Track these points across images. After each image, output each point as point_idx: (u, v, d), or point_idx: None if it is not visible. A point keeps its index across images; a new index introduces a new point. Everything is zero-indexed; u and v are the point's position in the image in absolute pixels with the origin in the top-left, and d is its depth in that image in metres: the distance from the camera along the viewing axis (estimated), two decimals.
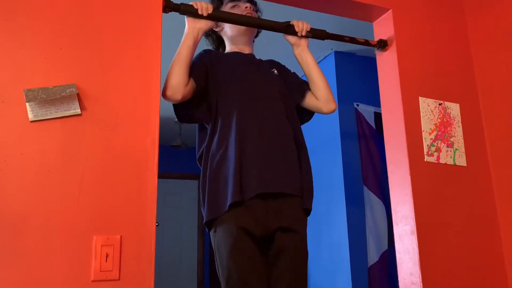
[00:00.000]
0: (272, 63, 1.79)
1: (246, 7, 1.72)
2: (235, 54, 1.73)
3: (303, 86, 1.76)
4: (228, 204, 1.45)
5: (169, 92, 1.49)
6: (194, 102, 1.58)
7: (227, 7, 1.74)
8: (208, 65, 1.64)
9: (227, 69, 1.65)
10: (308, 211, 1.59)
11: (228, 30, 1.76)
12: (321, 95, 1.72)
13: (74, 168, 1.29)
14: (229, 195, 1.46)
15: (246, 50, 1.76)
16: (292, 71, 1.83)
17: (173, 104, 1.57)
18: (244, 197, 1.46)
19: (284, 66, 1.83)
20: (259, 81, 1.66)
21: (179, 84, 1.49)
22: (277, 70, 1.74)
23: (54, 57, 1.34)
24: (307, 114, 1.79)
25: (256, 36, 1.84)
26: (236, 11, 1.72)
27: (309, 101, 1.74)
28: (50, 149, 1.28)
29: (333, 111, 1.74)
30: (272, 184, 1.50)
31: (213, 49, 1.85)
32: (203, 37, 1.71)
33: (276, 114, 1.61)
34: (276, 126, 1.59)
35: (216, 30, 1.79)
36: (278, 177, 1.52)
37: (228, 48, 1.78)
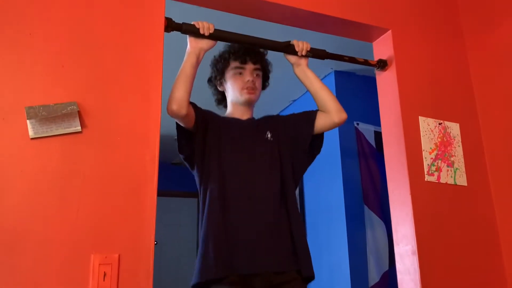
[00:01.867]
0: (267, 123, 1.77)
1: (248, 80, 1.72)
2: (234, 121, 1.74)
3: (309, 116, 1.76)
4: (214, 277, 1.47)
5: (174, 106, 1.50)
6: (195, 140, 1.61)
7: (232, 72, 1.75)
8: (210, 117, 1.68)
9: (227, 136, 1.66)
10: (310, 278, 1.58)
11: (229, 94, 1.77)
12: (331, 106, 1.72)
13: (73, 185, 1.29)
14: (216, 269, 1.47)
15: (245, 116, 1.76)
16: (289, 114, 1.83)
17: (177, 133, 1.61)
18: (234, 272, 1.47)
19: (279, 117, 1.83)
20: (255, 154, 1.66)
21: (184, 98, 1.52)
22: (271, 132, 1.73)
23: (56, 74, 1.35)
24: (318, 143, 1.77)
25: (264, 88, 1.85)
26: (238, 80, 1.73)
27: (320, 122, 1.73)
28: (50, 166, 1.28)
29: (344, 120, 1.74)
30: (262, 264, 1.51)
31: (215, 100, 1.87)
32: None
33: (270, 188, 1.61)
34: (269, 202, 1.59)
35: (220, 89, 1.82)
36: (267, 256, 1.52)
37: (229, 111, 1.79)
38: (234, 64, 1.75)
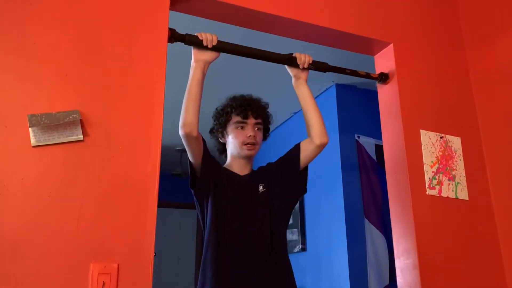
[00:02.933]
0: (259, 177, 1.81)
1: (249, 136, 1.76)
2: (232, 176, 1.78)
3: (292, 152, 1.81)
4: None
5: (186, 130, 1.56)
6: (201, 176, 1.68)
7: (233, 126, 1.78)
8: (214, 163, 1.73)
9: (224, 190, 1.71)
10: None
11: (230, 147, 1.81)
12: (315, 128, 1.77)
13: (74, 194, 1.29)
14: None
15: (244, 171, 1.80)
16: (278, 159, 1.87)
17: (190, 170, 1.68)
18: None
19: (269, 166, 1.86)
20: (250, 211, 1.72)
21: (194, 121, 1.58)
22: (263, 183, 1.78)
23: (59, 83, 1.36)
24: (303, 183, 1.83)
25: (265, 139, 1.89)
26: (239, 135, 1.76)
27: (304, 152, 1.78)
28: (51, 175, 1.28)
29: (325, 145, 1.78)
30: None
31: (217, 150, 1.91)
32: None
33: (263, 242, 1.67)
34: (262, 256, 1.65)
35: (222, 141, 1.86)
36: None
37: (229, 162, 1.83)
38: (236, 118, 1.78)
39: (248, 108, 1.78)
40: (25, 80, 1.33)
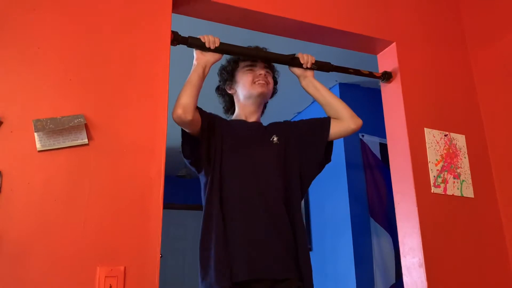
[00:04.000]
0: (274, 128, 1.76)
1: (260, 74, 1.72)
2: (240, 123, 1.73)
3: (323, 122, 1.75)
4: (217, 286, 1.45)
5: (179, 111, 1.49)
6: (201, 144, 1.60)
7: (243, 70, 1.75)
8: (215, 120, 1.67)
9: (230, 139, 1.65)
10: None
11: (240, 93, 1.76)
12: (344, 114, 1.73)
13: (80, 197, 1.29)
14: (217, 278, 1.46)
15: (252, 118, 1.75)
16: (300, 120, 1.81)
17: (182, 138, 1.59)
18: (234, 280, 1.46)
19: (288, 122, 1.82)
20: (259, 157, 1.65)
21: (190, 104, 1.52)
22: (277, 136, 1.71)
23: (63, 87, 1.37)
24: (329, 151, 1.76)
25: (272, 96, 1.84)
26: (249, 75, 1.73)
27: (335, 128, 1.73)
28: (57, 179, 1.29)
29: (360, 125, 1.73)
30: (266, 270, 1.49)
31: (223, 108, 1.87)
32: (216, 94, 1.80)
33: (272, 193, 1.60)
34: (271, 207, 1.57)
35: (229, 92, 1.80)
36: (267, 263, 1.50)
37: (236, 113, 1.79)
38: (244, 63, 1.76)
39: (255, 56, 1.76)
40: (30, 85, 1.34)
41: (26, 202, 1.24)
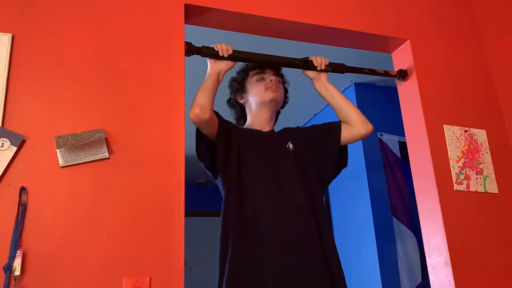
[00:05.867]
0: (288, 134, 1.75)
1: (271, 80, 1.73)
2: (254, 133, 1.72)
3: (333, 127, 1.74)
4: None
5: (197, 109, 1.50)
6: (217, 148, 1.59)
7: (253, 80, 1.76)
8: (232, 127, 1.67)
9: (246, 148, 1.64)
10: None
11: (252, 102, 1.76)
12: (355, 119, 1.71)
13: (103, 211, 1.32)
14: None
15: (266, 127, 1.75)
16: (311, 125, 1.81)
17: (196, 140, 1.58)
18: None
19: (300, 128, 1.81)
20: (277, 165, 1.63)
21: (207, 103, 1.52)
22: (292, 142, 1.70)
23: (82, 103, 1.39)
24: (344, 155, 1.74)
25: (282, 107, 1.84)
26: (261, 84, 1.74)
27: (345, 134, 1.71)
28: (80, 193, 1.31)
29: (371, 131, 1.72)
30: (291, 285, 1.44)
31: (234, 119, 1.87)
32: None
33: (294, 200, 1.57)
34: (295, 214, 1.55)
35: (241, 102, 1.81)
36: (296, 275, 1.46)
37: (249, 122, 1.78)
38: (253, 72, 1.77)
39: (264, 64, 1.77)
40: (50, 102, 1.37)
41: (52, 218, 1.27)
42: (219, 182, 1.64)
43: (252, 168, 1.61)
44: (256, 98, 1.74)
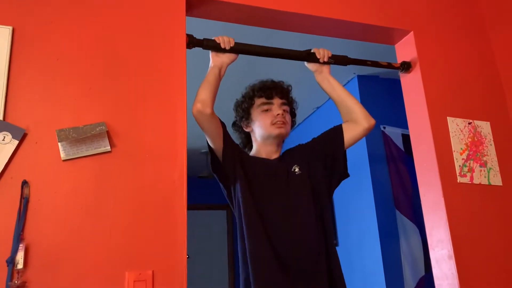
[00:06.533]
0: (291, 157, 1.71)
1: (277, 114, 1.67)
2: (261, 161, 1.69)
3: (335, 132, 1.71)
4: None
5: (198, 105, 1.50)
6: (227, 171, 1.59)
7: (259, 110, 1.70)
8: (238, 149, 1.66)
9: (253, 176, 1.61)
10: None
11: (257, 133, 1.71)
12: (358, 113, 1.70)
13: (105, 204, 1.31)
14: None
15: (273, 156, 1.71)
16: (311, 139, 1.78)
17: (210, 154, 1.60)
18: None
19: (302, 146, 1.77)
20: (287, 192, 1.61)
21: (208, 98, 1.52)
22: (298, 165, 1.67)
23: (83, 97, 1.39)
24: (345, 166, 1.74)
25: (293, 125, 1.79)
26: (267, 116, 1.68)
27: (348, 134, 1.69)
28: (82, 187, 1.31)
29: (373, 125, 1.70)
30: None
31: (240, 144, 1.82)
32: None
33: (307, 224, 1.57)
34: (304, 244, 1.54)
35: (246, 130, 1.76)
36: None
37: (256, 150, 1.74)
38: (260, 101, 1.70)
39: (271, 88, 1.71)
40: (51, 95, 1.36)
41: (54, 211, 1.27)
42: (232, 197, 1.63)
43: (261, 196, 1.59)
44: (262, 131, 1.69)
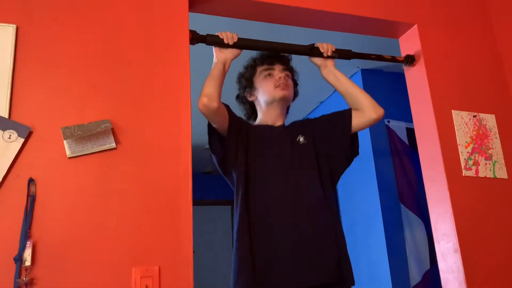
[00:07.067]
0: (298, 128, 1.73)
1: (279, 77, 1.69)
2: (265, 128, 1.70)
3: (344, 114, 1.71)
4: None
5: (205, 99, 1.50)
6: (229, 144, 1.59)
7: (261, 76, 1.72)
8: (243, 123, 1.66)
9: (257, 144, 1.63)
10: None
11: (262, 99, 1.73)
12: (366, 104, 1.69)
13: (111, 201, 1.32)
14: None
15: (278, 122, 1.72)
16: (320, 116, 1.78)
17: (209, 134, 1.59)
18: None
19: (310, 120, 1.78)
20: (290, 160, 1.62)
21: (214, 92, 1.52)
22: (303, 135, 1.68)
23: (88, 94, 1.39)
24: (355, 144, 1.73)
25: (293, 99, 1.80)
26: (269, 81, 1.70)
27: (356, 120, 1.69)
28: (88, 184, 1.32)
29: (382, 115, 1.70)
30: (305, 278, 1.46)
31: (245, 116, 1.83)
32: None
33: (309, 196, 1.57)
34: (310, 210, 1.55)
35: (250, 99, 1.78)
36: (310, 269, 1.48)
37: (260, 119, 1.75)
38: (261, 68, 1.73)
39: (272, 57, 1.73)
40: (55, 93, 1.37)
41: (60, 208, 1.28)
42: (230, 177, 1.64)
43: (264, 163, 1.60)
44: (265, 96, 1.71)
